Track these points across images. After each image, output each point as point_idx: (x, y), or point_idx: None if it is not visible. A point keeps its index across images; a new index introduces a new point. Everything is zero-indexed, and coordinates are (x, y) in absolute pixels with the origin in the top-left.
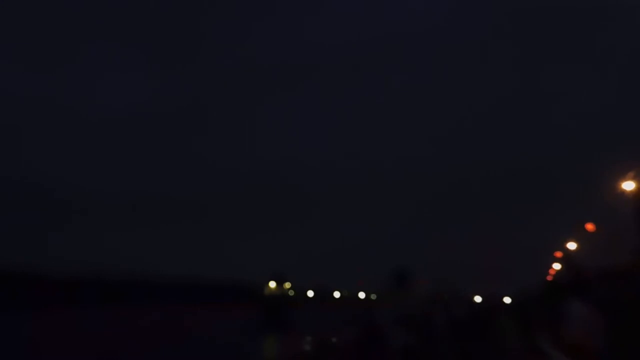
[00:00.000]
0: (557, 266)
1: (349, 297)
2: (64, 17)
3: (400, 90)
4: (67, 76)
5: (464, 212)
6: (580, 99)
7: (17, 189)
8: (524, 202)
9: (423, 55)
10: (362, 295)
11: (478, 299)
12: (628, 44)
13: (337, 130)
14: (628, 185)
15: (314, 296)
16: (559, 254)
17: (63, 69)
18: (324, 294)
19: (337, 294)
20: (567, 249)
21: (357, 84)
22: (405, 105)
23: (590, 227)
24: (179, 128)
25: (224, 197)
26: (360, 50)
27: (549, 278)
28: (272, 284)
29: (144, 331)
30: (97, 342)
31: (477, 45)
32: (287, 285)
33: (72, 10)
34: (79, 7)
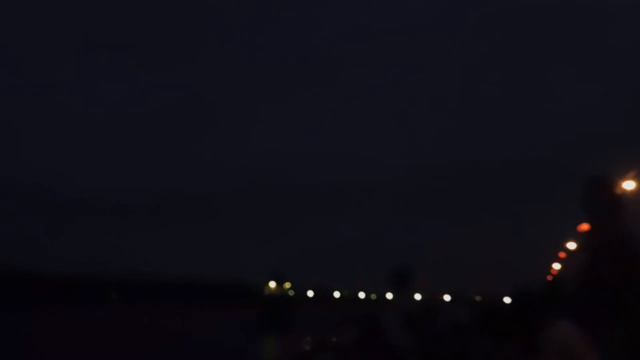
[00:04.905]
0: (557, 266)
1: (349, 297)
2: (66, 17)
3: (400, 90)
4: (68, 76)
5: (464, 211)
6: (582, 98)
7: (17, 189)
8: (524, 202)
9: (422, 51)
10: (362, 295)
11: (478, 298)
12: (630, 43)
13: (336, 130)
14: (628, 185)
15: (314, 296)
16: (560, 254)
17: (64, 69)
18: (324, 294)
19: (337, 294)
20: (567, 248)
21: (357, 82)
22: (406, 105)
23: (584, 227)
24: (178, 128)
25: (224, 197)
26: (360, 48)
27: (549, 278)
28: (272, 284)
29: (144, 331)
30: (97, 342)
31: (476, 44)
32: (287, 285)
33: (75, 11)
34: (81, 8)
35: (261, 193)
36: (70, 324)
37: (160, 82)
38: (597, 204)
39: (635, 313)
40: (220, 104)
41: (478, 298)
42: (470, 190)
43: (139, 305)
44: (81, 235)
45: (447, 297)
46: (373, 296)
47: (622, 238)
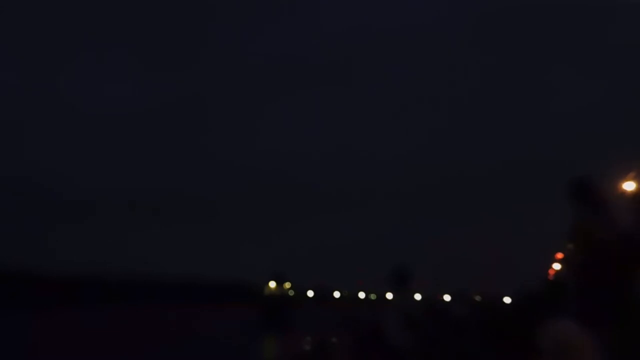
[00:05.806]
0: (557, 266)
1: (349, 297)
2: (66, 17)
3: (400, 90)
4: (68, 76)
5: (464, 211)
6: (582, 98)
7: (18, 189)
8: (524, 202)
9: (422, 51)
10: (362, 295)
11: (478, 298)
12: (630, 43)
13: (336, 130)
14: (628, 186)
15: (314, 296)
16: (559, 255)
17: (64, 69)
18: (324, 294)
19: (337, 294)
20: (567, 248)
21: (357, 82)
22: (406, 105)
23: (582, 228)
24: (178, 128)
25: (224, 197)
26: (360, 48)
27: (549, 278)
28: (272, 284)
29: (144, 331)
30: (97, 342)
31: (476, 44)
32: (287, 285)
33: (75, 11)
34: (81, 8)
35: (261, 193)
36: (70, 324)
37: (160, 82)
38: (590, 204)
39: (635, 313)
40: (220, 104)
41: (478, 298)
42: (471, 190)
43: (139, 305)
44: (81, 235)
45: (447, 297)
46: (373, 296)
47: (621, 238)
